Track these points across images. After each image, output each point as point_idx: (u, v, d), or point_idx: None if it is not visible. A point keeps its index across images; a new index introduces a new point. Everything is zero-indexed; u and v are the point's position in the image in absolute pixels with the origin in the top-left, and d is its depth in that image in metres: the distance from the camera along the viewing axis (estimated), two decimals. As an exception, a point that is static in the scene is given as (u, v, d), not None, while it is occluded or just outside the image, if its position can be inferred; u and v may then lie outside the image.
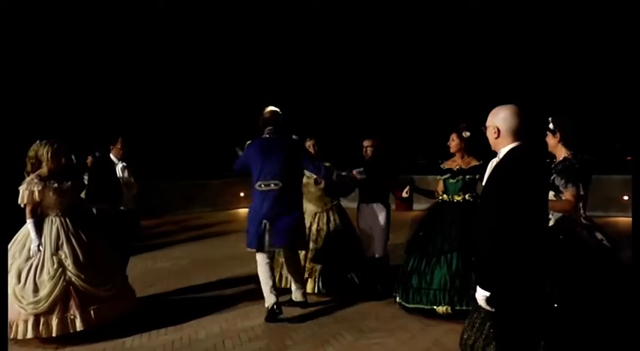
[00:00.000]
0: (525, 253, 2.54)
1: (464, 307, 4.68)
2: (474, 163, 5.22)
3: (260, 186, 5.17)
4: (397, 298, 5.26)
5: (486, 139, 2.84)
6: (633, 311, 3.25)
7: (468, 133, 5.26)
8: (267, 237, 5.10)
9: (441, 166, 5.40)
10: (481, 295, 2.62)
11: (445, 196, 5.31)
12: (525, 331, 2.65)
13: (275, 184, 5.11)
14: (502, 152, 2.72)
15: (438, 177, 5.42)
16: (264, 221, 5.11)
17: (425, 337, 4.61)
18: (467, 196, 5.18)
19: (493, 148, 2.82)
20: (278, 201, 5.13)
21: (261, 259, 5.24)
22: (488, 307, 2.64)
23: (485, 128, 2.82)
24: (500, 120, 2.72)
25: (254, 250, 5.21)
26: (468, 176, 5.18)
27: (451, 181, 5.28)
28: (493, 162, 2.83)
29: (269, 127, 5.34)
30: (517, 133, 2.69)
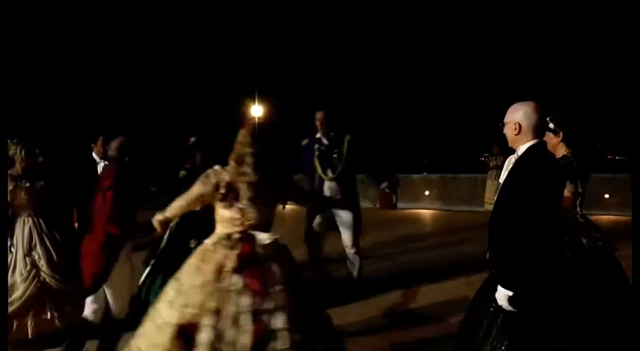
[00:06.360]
0: (546, 251, 2.53)
1: None
2: None
3: None
4: None
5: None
6: (629, 311, 3.23)
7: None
8: None
9: None
10: (503, 294, 2.56)
11: None
12: (545, 328, 2.62)
13: None
14: (521, 149, 2.69)
15: None
16: None
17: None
18: None
19: (510, 145, 2.78)
20: None
21: None
22: (510, 308, 2.58)
23: (504, 124, 2.78)
24: (521, 116, 2.68)
25: None
26: None
27: None
28: (511, 158, 2.79)
29: None
30: (536, 130, 2.67)
